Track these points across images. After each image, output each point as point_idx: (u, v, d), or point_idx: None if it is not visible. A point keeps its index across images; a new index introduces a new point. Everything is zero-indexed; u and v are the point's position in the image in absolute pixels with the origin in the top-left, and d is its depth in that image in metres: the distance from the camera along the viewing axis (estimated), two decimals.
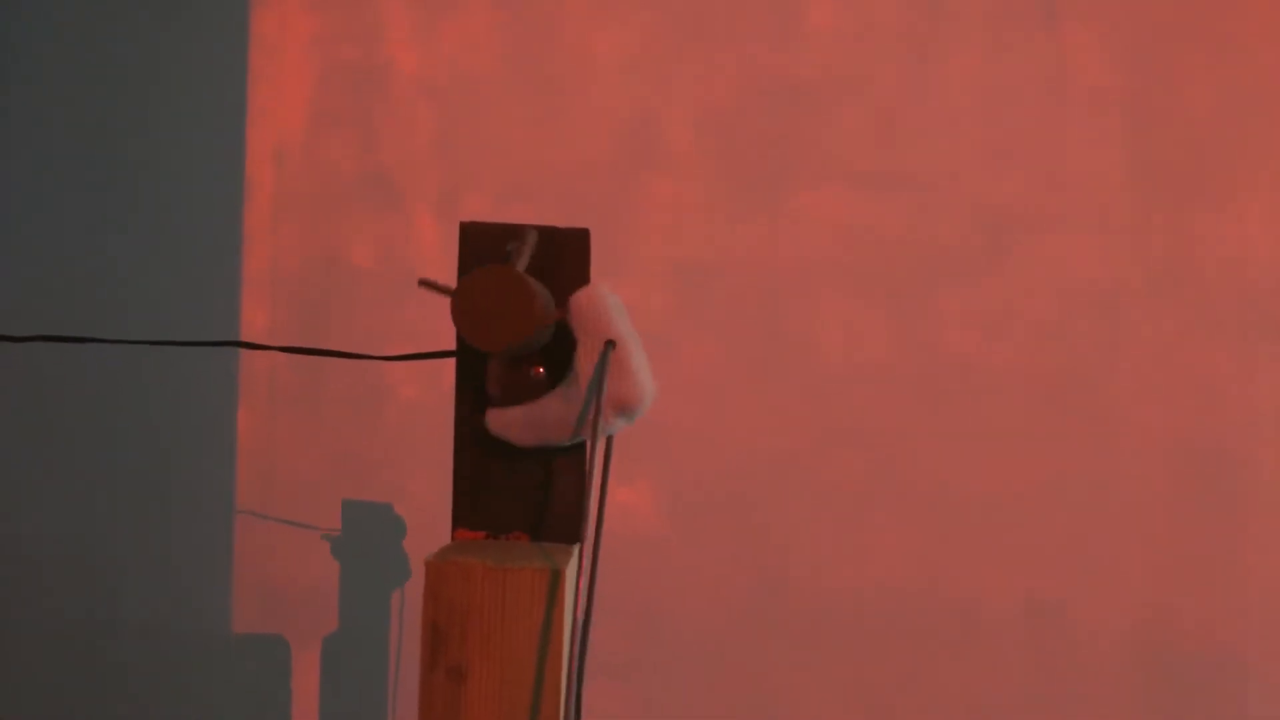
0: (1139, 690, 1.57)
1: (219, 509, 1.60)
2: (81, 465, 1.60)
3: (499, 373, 0.74)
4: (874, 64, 1.61)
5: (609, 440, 0.74)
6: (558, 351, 0.76)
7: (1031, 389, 1.59)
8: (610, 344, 0.71)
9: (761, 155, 1.61)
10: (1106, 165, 1.60)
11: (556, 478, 0.77)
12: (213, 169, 1.62)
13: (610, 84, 1.62)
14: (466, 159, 1.61)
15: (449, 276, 1.58)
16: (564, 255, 0.77)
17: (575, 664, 0.67)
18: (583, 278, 0.77)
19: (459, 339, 0.76)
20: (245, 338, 1.60)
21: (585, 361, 0.71)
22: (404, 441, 1.59)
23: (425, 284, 0.72)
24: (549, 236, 0.77)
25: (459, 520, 0.77)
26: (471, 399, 0.77)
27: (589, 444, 0.75)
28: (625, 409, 0.71)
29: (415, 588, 1.59)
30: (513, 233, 0.76)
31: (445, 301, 1.55)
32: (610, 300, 0.72)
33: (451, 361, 1.56)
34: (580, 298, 0.72)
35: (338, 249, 1.61)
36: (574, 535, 0.77)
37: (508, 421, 0.74)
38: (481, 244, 0.77)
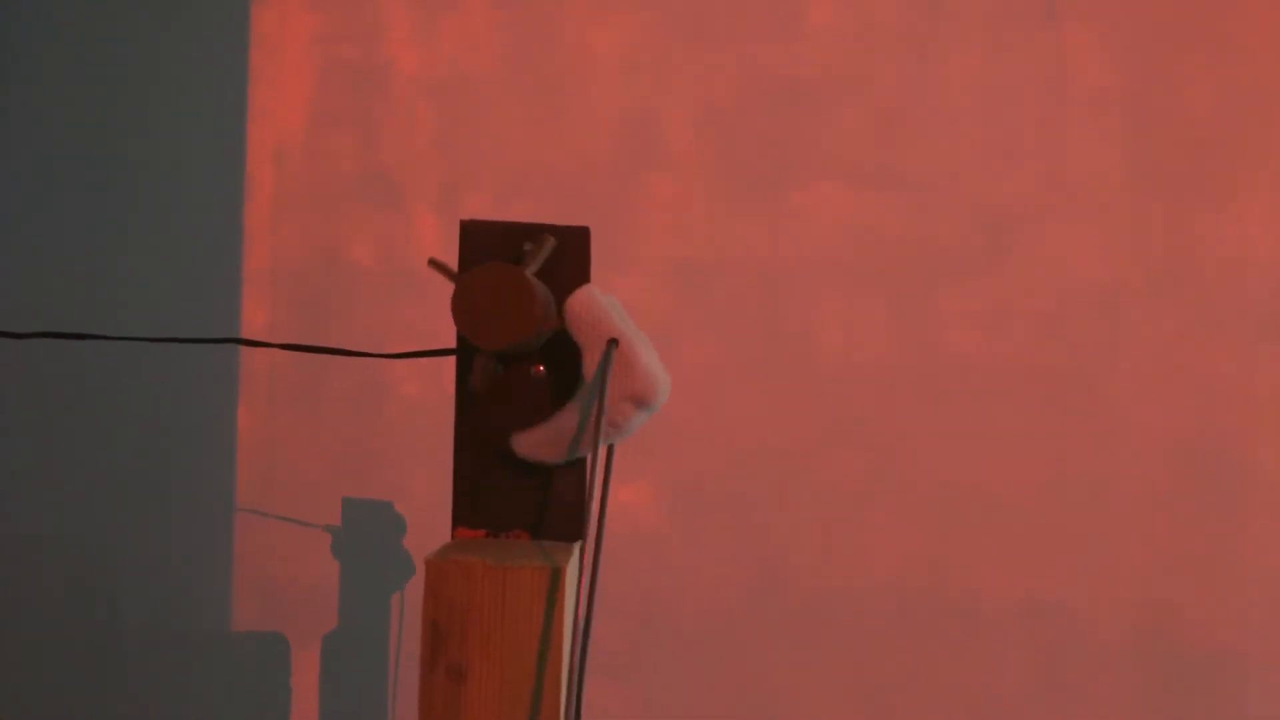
0: (1139, 688, 1.57)
1: (219, 507, 1.60)
2: (81, 463, 1.60)
3: (484, 368, 0.74)
4: (874, 63, 1.61)
5: (562, 412, 0.74)
6: (558, 350, 0.76)
7: (1031, 387, 1.59)
8: (613, 342, 0.71)
9: (762, 154, 1.61)
10: (1106, 165, 1.60)
11: (557, 476, 0.77)
12: (213, 168, 1.62)
13: (610, 83, 1.62)
14: (466, 158, 1.61)
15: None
16: (563, 254, 0.77)
17: (576, 663, 0.67)
18: (582, 276, 0.77)
19: (459, 337, 0.76)
20: (246, 336, 1.60)
21: (593, 366, 0.71)
22: (404, 440, 1.59)
23: (434, 264, 0.72)
24: (547, 234, 0.77)
25: (459, 518, 0.77)
26: (472, 396, 0.77)
27: (564, 414, 0.75)
28: (642, 401, 0.71)
29: (415, 586, 1.59)
30: (526, 233, 0.76)
31: (446, 300, 1.55)
32: (604, 300, 0.72)
33: (452, 360, 1.56)
34: (573, 304, 0.72)
35: (338, 247, 1.61)
36: (575, 534, 0.77)
37: (535, 443, 0.74)
38: (482, 242, 0.77)
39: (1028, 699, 1.57)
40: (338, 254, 1.61)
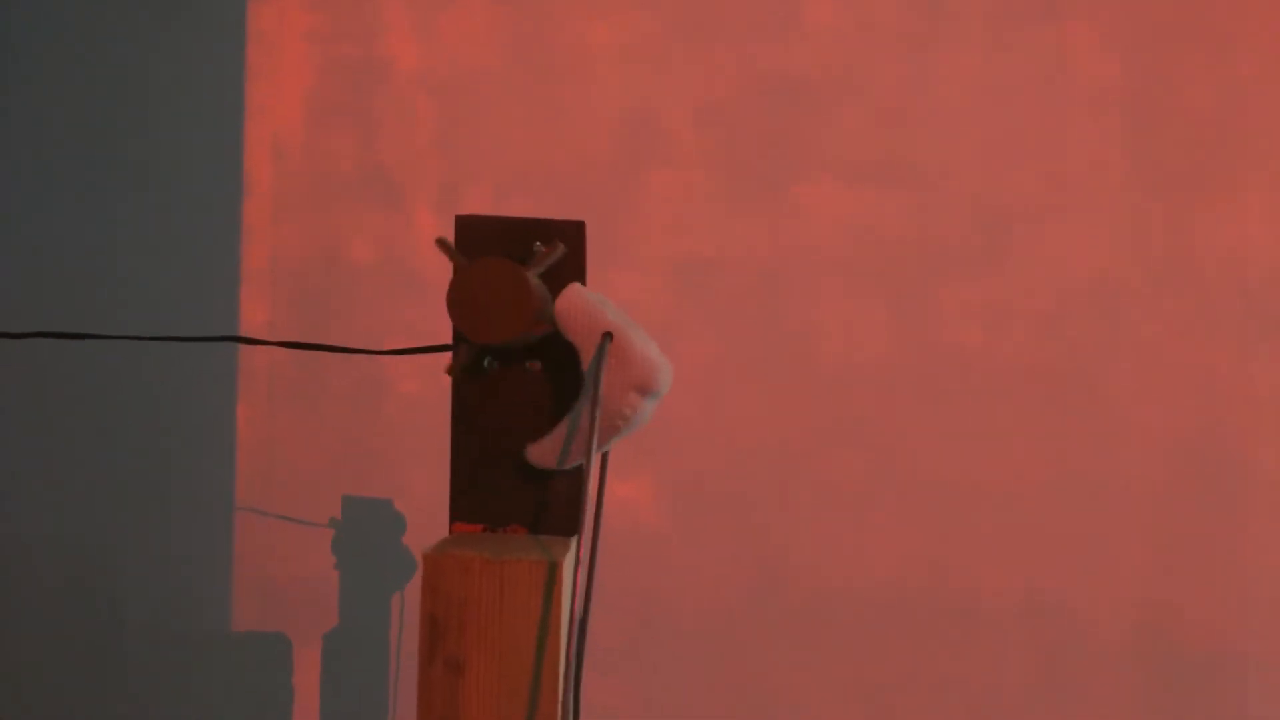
0: (1139, 687, 1.57)
1: (219, 506, 1.60)
2: (81, 463, 1.60)
3: (465, 355, 0.74)
4: (874, 61, 1.61)
5: (570, 417, 0.74)
6: (555, 346, 0.76)
7: (1031, 385, 1.59)
8: (607, 336, 0.71)
9: (761, 151, 1.61)
10: (1106, 162, 1.60)
11: (554, 471, 0.77)
12: (212, 166, 1.62)
13: (610, 80, 1.62)
14: (466, 155, 1.61)
15: (447, 272, 1.58)
16: (551, 241, 0.77)
17: (572, 655, 0.67)
18: (578, 271, 0.77)
19: (455, 332, 0.76)
20: (245, 334, 1.60)
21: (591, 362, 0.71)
22: (404, 437, 1.59)
23: (441, 244, 0.72)
24: (544, 229, 0.77)
25: (457, 513, 0.77)
26: (470, 394, 0.77)
27: (573, 417, 0.75)
28: (645, 388, 0.71)
29: (415, 584, 1.59)
30: (522, 229, 0.76)
31: (445, 296, 1.55)
32: (592, 297, 0.72)
33: (449, 356, 1.56)
34: (562, 304, 0.72)
35: (337, 245, 1.61)
36: (571, 528, 0.77)
37: (547, 450, 0.74)
38: (477, 237, 0.77)
39: (1028, 698, 1.57)
40: (337, 252, 1.61)
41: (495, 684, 0.67)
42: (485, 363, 0.76)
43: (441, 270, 1.60)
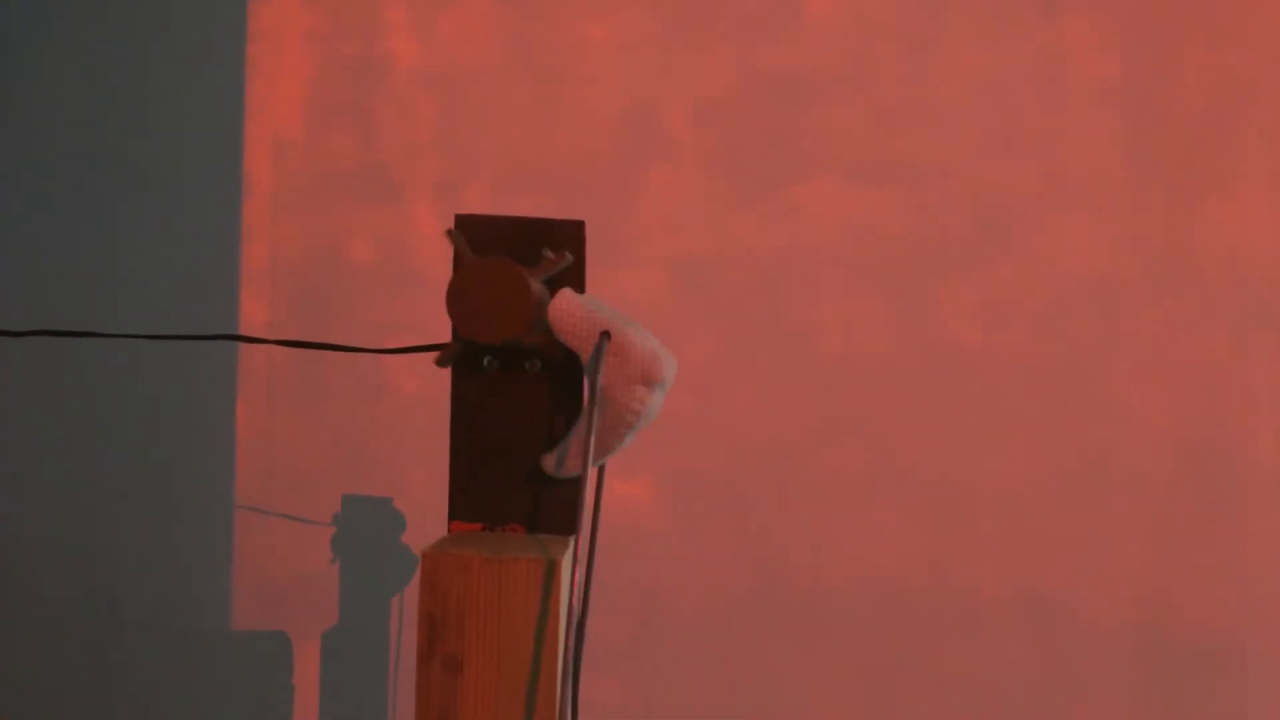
0: (1139, 683, 1.57)
1: (218, 504, 1.60)
2: (80, 462, 1.60)
3: (453, 351, 0.74)
4: (874, 58, 1.61)
5: (581, 423, 0.74)
6: (554, 345, 0.76)
7: (1031, 381, 1.59)
8: (604, 335, 0.71)
9: (760, 147, 1.61)
10: (1105, 158, 1.60)
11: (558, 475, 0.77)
12: (211, 165, 1.62)
13: (610, 78, 1.62)
14: (466, 153, 1.61)
15: (448, 271, 1.58)
16: (558, 247, 0.77)
17: (571, 654, 0.67)
18: (578, 270, 0.77)
19: (454, 331, 0.76)
20: (244, 333, 1.60)
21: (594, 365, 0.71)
22: (403, 436, 1.59)
23: (453, 236, 0.72)
24: (544, 228, 0.77)
25: (456, 512, 0.77)
26: (468, 392, 0.77)
27: (584, 422, 0.75)
28: (649, 380, 0.71)
29: (415, 582, 1.59)
30: (520, 228, 0.76)
31: (444, 294, 1.55)
32: (583, 299, 0.72)
33: None
34: (555, 311, 0.72)
35: (337, 243, 1.61)
36: (570, 526, 0.77)
37: (565, 457, 0.75)
38: (477, 236, 0.77)
39: (1027, 695, 1.57)
40: (337, 251, 1.61)
41: (494, 682, 0.67)
42: (485, 362, 0.77)
43: (442, 269, 1.60)
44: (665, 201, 1.61)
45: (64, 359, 1.61)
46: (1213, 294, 1.59)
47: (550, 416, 0.77)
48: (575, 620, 0.68)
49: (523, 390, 0.77)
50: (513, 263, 0.69)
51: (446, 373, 1.58)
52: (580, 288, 0.77)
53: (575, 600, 0.68)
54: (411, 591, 1.59)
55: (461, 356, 0.75)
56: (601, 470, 0.75)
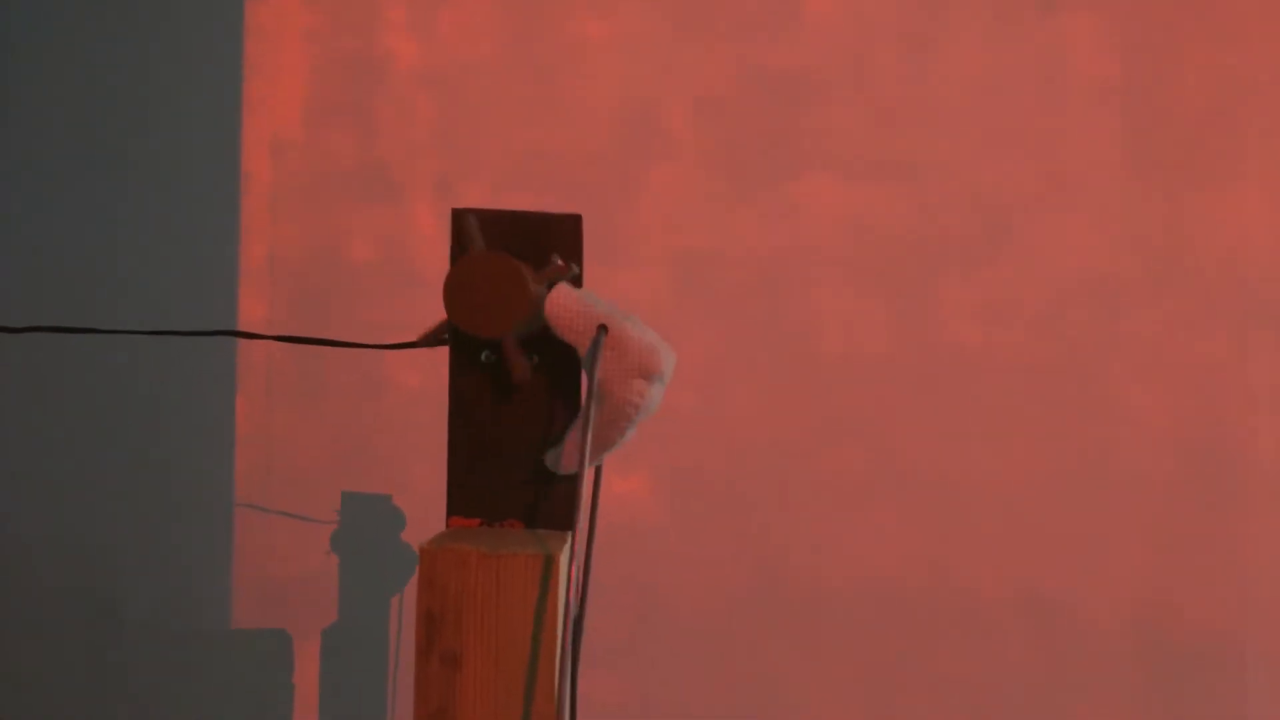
0: (1139, 681, 1.57)
1: (217, 502, 1.60)
2: (79, 460, 1.60)
3: (437, 333, 0.74)
4: (873, 56, 1.61)
5: (581, 419, 0.74)
6: (552, 340, 0.76)
7: (1031, 380, 1.59)
8: (602, 329, 0.71)
9: (760, 145, 1.61)
10: (1105, 156, 1.60)
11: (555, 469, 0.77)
12: (209, 163, 1.62)
13: (609, 75, 1.62)
14: (465, 150, 1.61)
15: (446, 268, 1.58)
16: (556, 241, 0.77)
17: (569, 648, 0.67)
18: (576, 264, 0.77)
19: (452, 326, 0.76)
20: (243, 330, 1.60)
21: (592, 360, 0.71)
22: (403, 433, 1.59)
23: (464, 220, 0.72)
24: (541, 222, 0.77)
25: (454, 507, 0.77)
26: (466, 387, 0.77)
27: (583, 417, 0.75)
28: (648, 373, 0.71)
29: (415, 579, 1.59)
30: (518, 221, 0.76)
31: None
32: (579, 294, 0.72)
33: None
34: (551, 307, 0.71)
35: (336, 241, 1.61)
36: (568, 522, 0.77)
37: (567, 454, 0.74)
38: (463, 234, 0.77)
39: (1027, 694, 1.57)
40: (336, 248, 1.61)
41: (492, 677, 0.67)
42: (483, 356, 0.77)
43: (442, 268, 1.60)
44: (665, 200, 1.61)
45: (63, 357, 1.61)
46: (1213, 293, 1.59)
47: (548, 411, 0.77)
48: (573, 615, 0.68)
49: (521, 385, 0.77)
50: (510, 257, 0.69)
51: (447, 369, 1.58)
52: (578, 284, 0.77)
53: (573, 595, 0.68)
54: (412, 589, 1.59)
55: (439, 341, 0.75)
56: (600, 465, 0.75)
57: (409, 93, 1.62)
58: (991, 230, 1.60)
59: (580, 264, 0.77)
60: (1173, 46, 1.60)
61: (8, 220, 1.62)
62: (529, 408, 0.77)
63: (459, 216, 0.75)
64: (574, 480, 0.76)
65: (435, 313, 1.60)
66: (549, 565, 0.67)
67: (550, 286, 0.74)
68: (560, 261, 0.74)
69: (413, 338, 1.57)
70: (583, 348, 0.71)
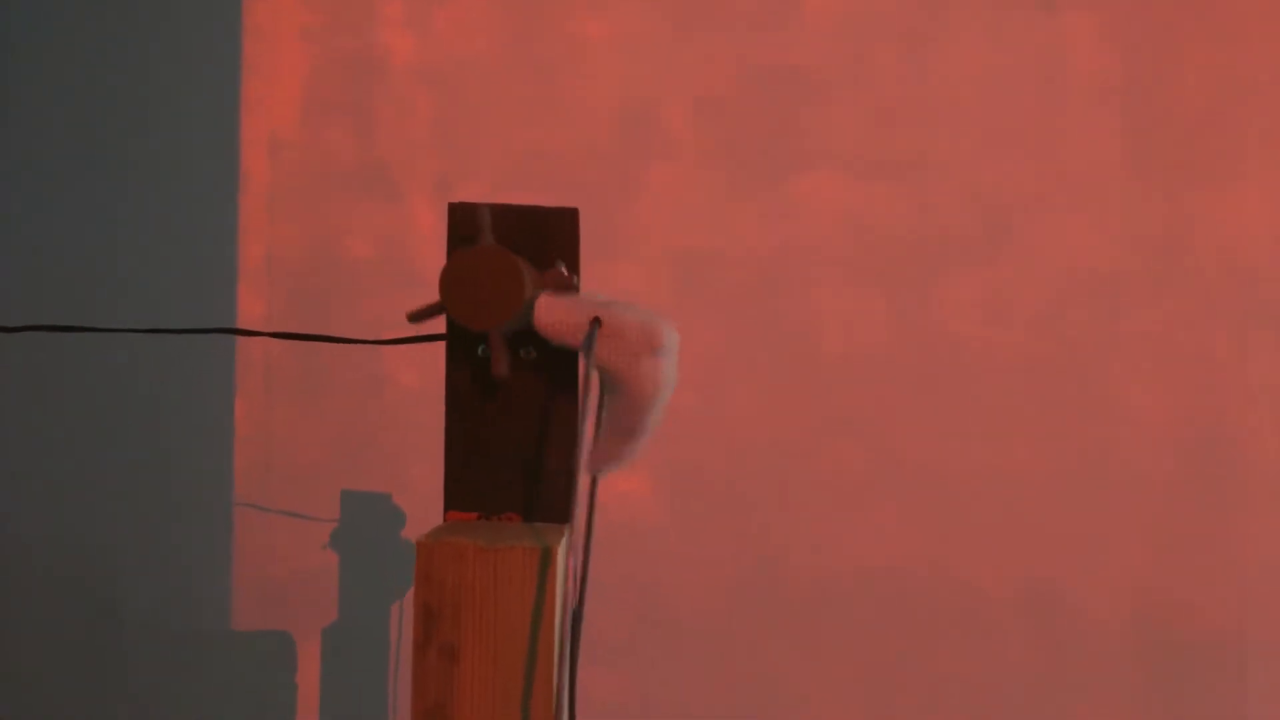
0: (1139, 679, 1.57)
1: (217, 501, 1.60)
2: (79, 459, 1.60)
3: (428, 311, 0.74)
4: (873, 53, 1.61)
5: (600, 417, 0.74)
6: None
7: (1031, 378, 1.59)
8: (595, 321, 0.71)
9: (760, 142, 1.61)
10: (1105, 151, 1.60)
11: (548, 457, 0.77)
12: (207, 161, 1.62)
13: (608, 72, 1.62)
14: (463, 148, 1.61)
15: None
16: (552, 236, 0.77)
17: (567, 642, 0.67)
18: (572, 259, 0.77)
19: (449, 321, 0.76)
20: (241, 327, 1.60)
21: (598, 353, 0.71)
22: (404, 430, 1.59)
23: (480, 214, 0.72)
24: (538, 217, 0.77)
25: (451, 501, 0.77)
26: (462, 381, 0.77)
27: (605, 414, 0.74)
28: (653, 346, 0.70)
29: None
30: (515, 215, 0.76)
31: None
32: (564, 298, 0.72)
33: None
34: (541, 317, 0.71)
35: (334, 239, 1.61)
36: (566, 515, 0.77)
37: (606, 455, 0.74)
38: (470, 224, 0.77)
39: (1027, 692, 1.57)
40: (334, 246, 1.61)
41: (490, 671, 0.67)
42: (480, 350, 0.77)
43: (440, 265, 1.60)
44: (665, 198, 1.61)
45: (62, 357, 1.61)
46: (1213, 292, 1.58)
47: (546, 405, 0.77)
48: (572, 608, 0.68)
49: (518, 378, 0.77)
50: (510, 253, 0.69)
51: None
52: (576, 277, 0.77)
53: (572, 589, 0.68)
54: (411, 587, 1.59)
55: (431, 314, 0.75)
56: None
57: (408, 91, 1.62)
58: (991, 229, 1.60)
59: (577, 258, 0.77)
60: (1173, 46, 1.60)
61: (8, 220, 1.62)
62: (526, 402, 0.77)
63: (465, 209, 0.75)
64: (571, 473, 0.76)
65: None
66: (547, 558, 0.67)
67: (550, 290, 0.74)
68: (564, 271, 0.74)
69: (411, 336, 1.57)
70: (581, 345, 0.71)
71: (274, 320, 1.60)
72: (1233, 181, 1.59)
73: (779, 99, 1.61)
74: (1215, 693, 1.56)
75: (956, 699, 1.57)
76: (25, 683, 1.59)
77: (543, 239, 0.76)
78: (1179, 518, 1.57)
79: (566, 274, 0.73)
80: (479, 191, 1.61)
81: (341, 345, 1.55)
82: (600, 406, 0.74)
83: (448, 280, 0.69)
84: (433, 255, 1.60)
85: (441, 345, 1.56)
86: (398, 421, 1.59)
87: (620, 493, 1.59)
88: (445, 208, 1.60)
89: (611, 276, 1.60)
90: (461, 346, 0.77)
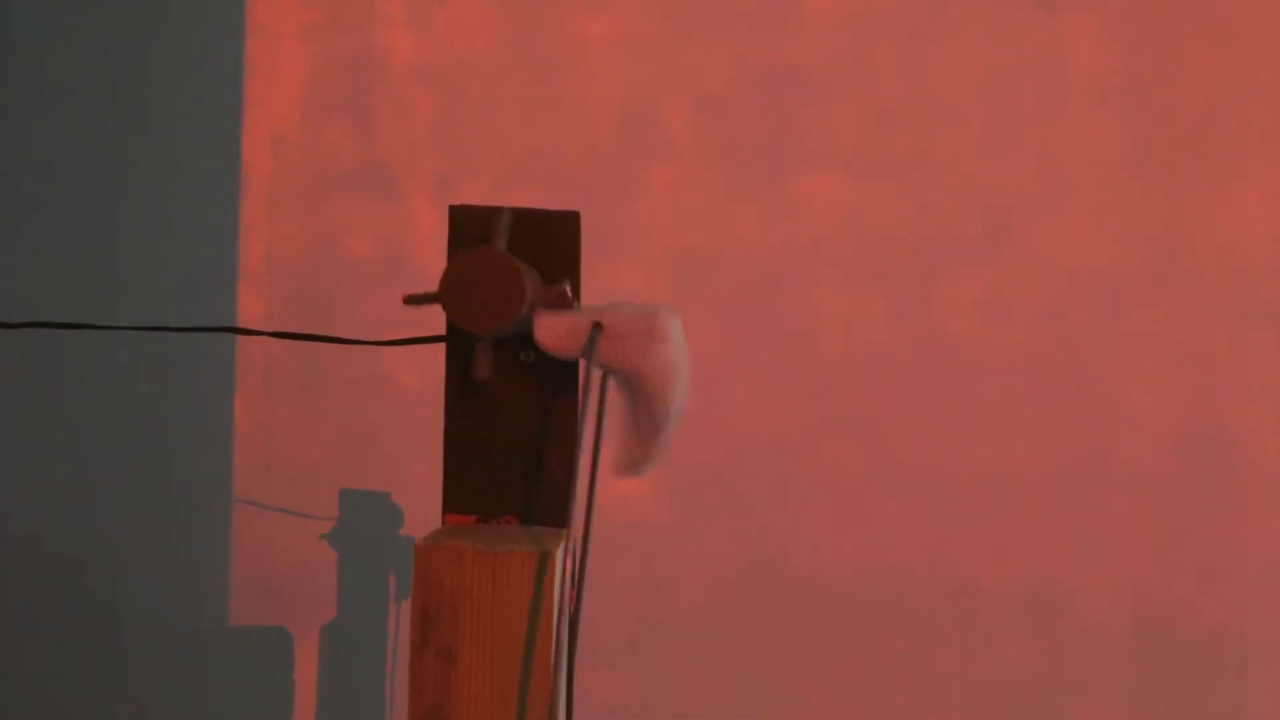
0: (1139, 678, 1.57)
1: (216, 499, 1.60)
2: (79, 457, 1.60)
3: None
4: (873, 52, 1.61)
5: (600, 417, 0.74)
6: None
7: (1031, 378, 1.59)
8: (596, 326, 0.71)
9: (760, 142, 1.61)
10: (1105, 151, 1.60)
11: (547, 461, 0.77)
12: (209, 160, 1.62)
13: (608, 72, 1.62)
14: (464, 148, 1.61)
15: (445, 264, 1.58)
16: (553, 239, 0.77)
17: (564, 645, 0.67)
18: (573, 262, 0.77)
19: (448, 323, 0.76)
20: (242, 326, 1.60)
21: (606, 355, 0.71)
22: (403, 430, 1.59)
23: (500, 218, 0.72)
24: (539, 220, 0.77)
25: (449, 504, 0.77)
26: (461, 382, 0.77)
27: (579, 409, 0.74)
28: (658, 335, 0.70)
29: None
30: (516, 217, 0.76)
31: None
32: (559, 314, 0.72)
33: None
34: (541, 335, 0.71)
35: (335, 238, 1.61)
36: (564, 518, 0.77)
37: (632, 457, 0.74)
38: (471, 228, 0.77)
39: (1027, 690, 1.57)
40: (334, 245, 1.61)
41: (487, 674, 0.67)
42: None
43: (440, 265, 1.60)
44: (665, 198, 1.61)
45: (63, 357, 1.61)
46: (1212, 292, 1.58)
47: (545, 408, 0.77)
48: (569, 612, 0.68)
49: (518, 382, 0.77)
50: (501, 251, 0.69)
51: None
52: (576, 282, 0.77)
53: (570, 592, 0.68)
54: (409, 586, 1.59)
55: (426, 304, 0.75)
56: (595, 461, 0.75)
57: (408, 90, 1.62)
58: (991, 229, 1.60)
59: (578, 262, 0.77)
60: (1173, 46, 1.60)
61: (8, 220, 1.62)
62: (526, 404, 0.77)
63: (476, 212, 0.75)
64: (569, 476, 0.76)
65: (434, 311, 1.60)
66: (545, 561, 0.67)
67: (550, 309, 0.74)
68: (569, 293, 0.74)
69: (411, 337, 1.57)
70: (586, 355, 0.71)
71: (274, 320, 1.60)
72: (1233, 181, 1.59)
73: (779, 99, 1.61)
74: (1215, 693, 1.56)
75: (956, 699, 1.57)
76: (25, 682, 1.60)
77: (544, 242, 0.76)
78: (1179, 517, 1.57)
79: (569, 295, 0.73)
80: (479, 191, 1.61)
81: (341, 345, 1.55)
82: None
83: (448, 281, 0.69)
84: (433, 255, 1.60)
85: (441, 346, 1.57)
86: (397, 421, 1.59)
87: (620, 493, 1.59)
88: (445, 208, 1.60)
89: (611, 276, 1.60)
90: (461, 347, 0.77)
